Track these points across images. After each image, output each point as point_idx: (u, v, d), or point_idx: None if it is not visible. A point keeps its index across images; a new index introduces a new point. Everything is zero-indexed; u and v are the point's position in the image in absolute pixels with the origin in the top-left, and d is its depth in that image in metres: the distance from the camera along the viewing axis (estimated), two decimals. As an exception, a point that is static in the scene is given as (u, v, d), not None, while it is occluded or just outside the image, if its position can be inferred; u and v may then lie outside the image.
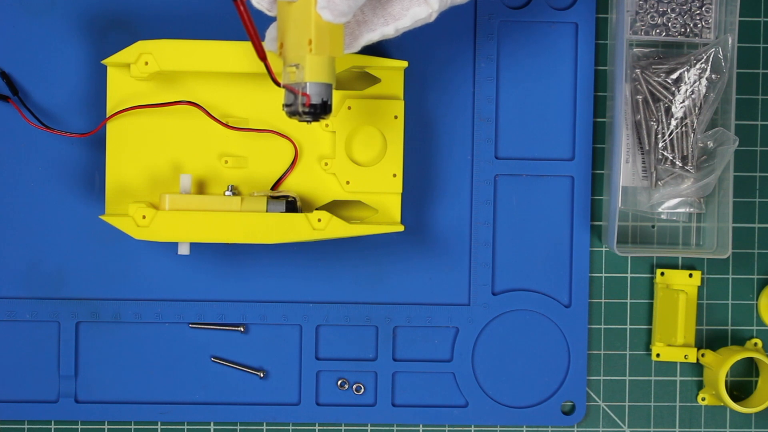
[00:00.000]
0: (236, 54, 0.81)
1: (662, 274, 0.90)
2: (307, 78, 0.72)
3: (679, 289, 0.89)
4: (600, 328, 0.91)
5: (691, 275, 0.90)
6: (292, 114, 0.73)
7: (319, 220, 0.81)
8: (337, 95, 0.84)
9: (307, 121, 0.73)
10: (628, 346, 0.91)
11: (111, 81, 0.84)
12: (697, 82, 0.87)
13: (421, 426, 0.91)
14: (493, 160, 0.89)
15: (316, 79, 0.72)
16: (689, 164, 0.88)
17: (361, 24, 0.74)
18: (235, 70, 0.81)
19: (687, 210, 0.90)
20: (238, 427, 0.90)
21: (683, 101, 0.87)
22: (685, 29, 0.89)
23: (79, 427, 0.89)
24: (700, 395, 0.91)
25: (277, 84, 0.74)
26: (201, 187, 0.85)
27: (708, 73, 0.87)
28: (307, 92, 0.72)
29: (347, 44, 0.74)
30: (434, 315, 0.89)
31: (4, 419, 0.88)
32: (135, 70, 0.81)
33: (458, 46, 0.89)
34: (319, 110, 0.72)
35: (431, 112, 0.89)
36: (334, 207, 0.86)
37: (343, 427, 0.90)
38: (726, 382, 0.89)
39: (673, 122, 0.88)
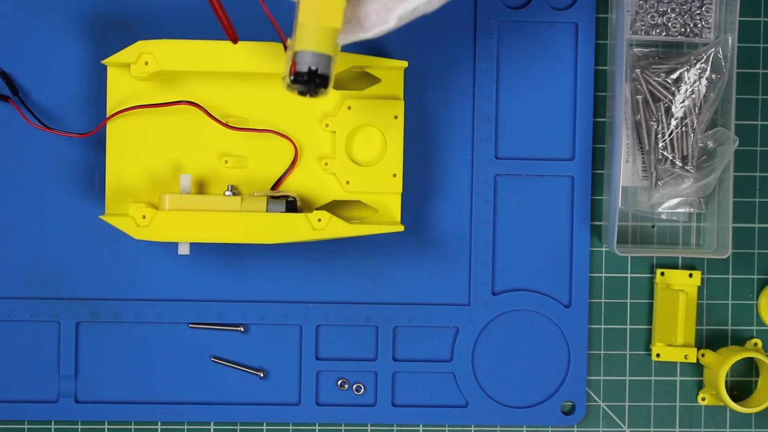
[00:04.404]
0: (236, 54, 0.81)
1: (662, 274, 0.90)
2: (296, 46, 0.69)
3: (679, 289, 0.89)
4: (600, 328, 0.91)
5: (691, 275, 0.90)
6: (286, 86, 0.70)
7: (319, 220, 0.81)
8: (337, 95, 0.84)
9: (301, 93, 0.70)
10: (628, 346, 0.91)
11: (111, 81, 0.84)
12: (697, 82, 0.87)
13: (421, 426, 0.91)
14: (493, 160, 0.89)
15: (304, 47, 0.69)
16: (689, 164, 0.88)
17: None
18: (235, 70, 0.81)
19: (687, 210, 0.90)
20: (238, 427, 0.90)
21: (683, 101, 0.87)
22: (685, 29, 0.89)
23: (79, 427, 0.89)
24: (700, 395, 0.91)
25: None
26: (201, 187, 0.85)
27: (708, 73, 0.87)
28: (294, 60, 0.69)
29: (381, 18, 0.70)
30: (434, 315, 0.89)
31: (4, 419, 0.88)
32: (135, 70, 0.81)
33: (458, 46, 0.89)
34: (307, 79, 0.69)
35: (431, 112, 0.89)
36: (334, 207, 0.86)
37: (343, 427, 0.90)
38: (726, 382, 0.89)
39: (673, 122, 0.88)
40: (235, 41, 0.72)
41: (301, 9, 0.69)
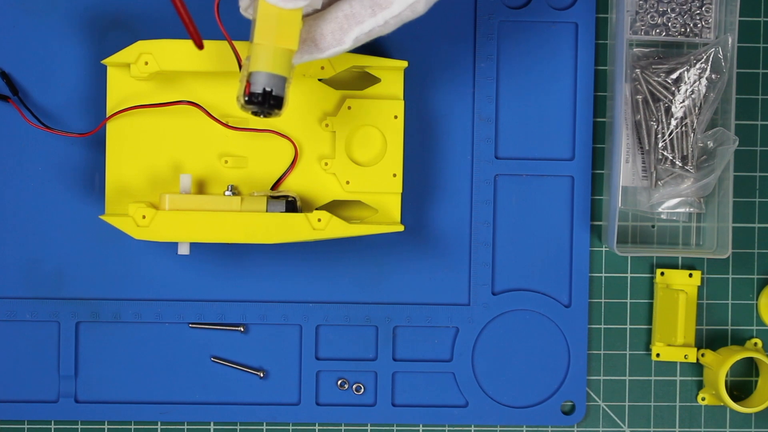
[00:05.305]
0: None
1: (662, 274, 0.90)
2: (251, 67, 0.70)
3: (679, 289, 0.89)
4: (600, 328, 0.91)
5: (691, 275, 0.90)
6: (240, 106, 0.71)
7: (319, 220, 0.81)
8: (337, 95, 0.85)
9: (255, 114, 0.71)
10: (628, 346, 0.91)
11: (111, 81, 0.84)
12: (697, 82, 0.87)
13: (421, 426, 0.91)
14: (493, 160, 0.89)
15: (259, 68, 0.70)
16: (689, 164, 0.88)
17: (349, 17, 0.71)
18: (234, 69, 0.81)
19: (687, 210, 0.90)
20: (238, 427, 0.90)
21: (683, 101, 0.87)
22: (685, 29, 0.89)
23: (79, 427, 0.89)
24: (700, 395, 0.91)
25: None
26: (201, 187, 0.85)
27: (708, 73, 0.87)
28: (249, 81, 0.70)
29: (337, 40, 0.71)
30: (434, 315, 0.89)
31: (4, 419, 0.88)
32: (135, 70, 0.81)
33: (458, 46, 0.89)
34: (261, 100, 0.70)
35: (431, 112, 0.89)
36: (334, 207, 0.86)
37: (343, 427, 0.90)
38: (726, 382, 0.89)
39: (673, 122, 0.88)
40: (200, 47, 0.72)
41: (257, 30, 0.69)
